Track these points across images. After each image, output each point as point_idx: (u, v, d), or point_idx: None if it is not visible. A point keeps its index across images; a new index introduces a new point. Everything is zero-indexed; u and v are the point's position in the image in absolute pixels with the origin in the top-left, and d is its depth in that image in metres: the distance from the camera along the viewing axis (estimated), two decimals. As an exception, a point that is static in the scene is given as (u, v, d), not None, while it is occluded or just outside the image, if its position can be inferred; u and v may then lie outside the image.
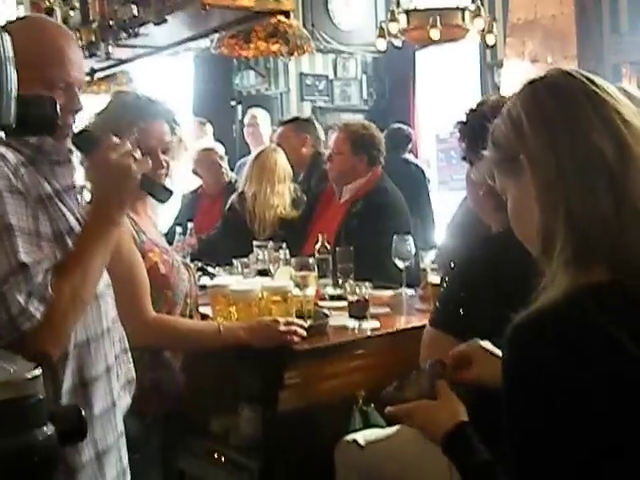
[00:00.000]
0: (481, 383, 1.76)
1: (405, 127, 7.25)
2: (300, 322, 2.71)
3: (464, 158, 2.42)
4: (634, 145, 1.30)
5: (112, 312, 1.92)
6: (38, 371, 1.10)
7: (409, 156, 7.15)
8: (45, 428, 1.08)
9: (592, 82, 1.36)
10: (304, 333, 2.67)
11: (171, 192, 1.99)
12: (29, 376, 1.08)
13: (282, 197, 4.73)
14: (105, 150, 1.76)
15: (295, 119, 5.66)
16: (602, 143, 1.29)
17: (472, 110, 2.39)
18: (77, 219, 1.80)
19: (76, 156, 1.97)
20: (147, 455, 2.42)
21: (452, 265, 2.36)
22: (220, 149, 5.74)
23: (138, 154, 1.79)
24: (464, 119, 2.40)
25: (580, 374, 1.20)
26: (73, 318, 1.70)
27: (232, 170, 5.89)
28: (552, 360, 1.22)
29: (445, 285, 2.36)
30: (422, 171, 6.96)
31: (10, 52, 1.36)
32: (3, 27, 1.76)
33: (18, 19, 2.02)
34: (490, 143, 1.46)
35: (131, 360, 2.01)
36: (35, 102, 1.58)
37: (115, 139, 1.79)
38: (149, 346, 2.42)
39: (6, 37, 1.37)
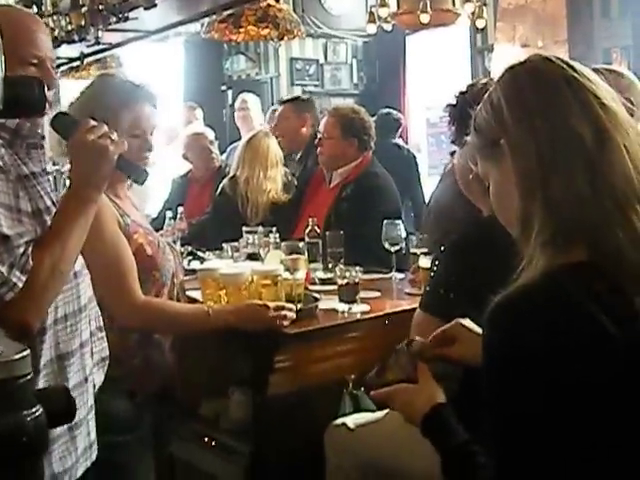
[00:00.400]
0: (464, 360, 1.77)
1: (395, 112, 7.23)
2: (290, 306, 2.71)
3: (453, 142, 2.42)
4: (612, 130, 1.31)
5: (89, 291, 1.95)
6: (26, 352, 1.10)
7: (399, 141, 7.15)
8: (34, 409, 1.08)
9: (571, 67, 1.37)
10: (294, 316, 2.68)
11: (147, 173, 2.04)
12: (17, 357, 1.08)
13: (274, 182, 4.72)
14: (83, 132, 1.79)
15: (295, 98, 5.62)
16: (581, 128, 1.29)
17: (462, 93, 2.38)
18: (53, 202, 1.83)
19: (60, 143, 1.99)
20: (139, 437, 2.42)
21: (442, 249, 2.36)
22: (210, 134, 5.73)
23: (115, 136, 1.83)
24: (454, 102, 2.40)
25: (559, 355, 1.21)
26: (53, 290, 1.74)
27: (222, 154, 5.88)
28: (531, 343, 1.22)
29: (435, 269, 2.36)
30: (413, 156, 6.97)
31: None
32: None
33: None
34: (472, 128, 1.47)
35: (105, 339, 2.04)
36: (22, 83, 1.58)
37: (92, 122, 1.82)
38: (137, 329, 2.43)
39: None
